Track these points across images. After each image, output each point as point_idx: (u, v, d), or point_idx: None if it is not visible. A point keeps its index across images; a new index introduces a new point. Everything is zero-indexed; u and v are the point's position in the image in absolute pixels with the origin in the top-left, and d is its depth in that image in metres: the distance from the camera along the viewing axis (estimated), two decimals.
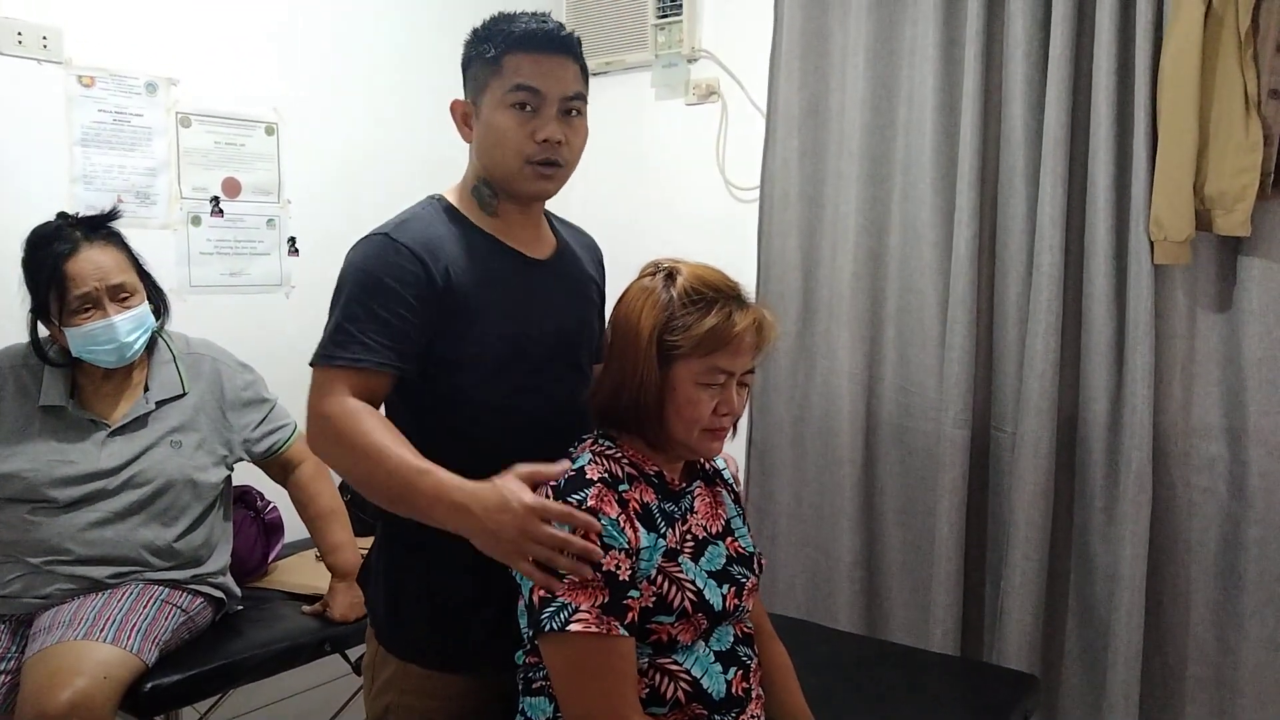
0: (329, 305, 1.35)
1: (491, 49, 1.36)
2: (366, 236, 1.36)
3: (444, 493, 1.21)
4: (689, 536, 1.32)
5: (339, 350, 1.30)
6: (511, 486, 1.19)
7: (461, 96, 1.44)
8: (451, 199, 1.44)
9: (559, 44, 1.36)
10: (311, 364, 1.33)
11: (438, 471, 1.22)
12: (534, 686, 1.30)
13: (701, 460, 1.42)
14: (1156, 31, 2.08)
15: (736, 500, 1.46)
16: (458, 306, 1.34)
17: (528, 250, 1.45)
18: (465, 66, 1.42)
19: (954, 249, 2.38)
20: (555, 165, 1.37)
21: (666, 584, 1.25)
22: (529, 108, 1.34)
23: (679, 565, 1.28)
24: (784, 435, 2.74)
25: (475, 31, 1.41)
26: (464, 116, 1.42)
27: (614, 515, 1.21)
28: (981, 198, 2.37)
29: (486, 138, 1.38)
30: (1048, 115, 2.23)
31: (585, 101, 1.41)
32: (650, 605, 1.24)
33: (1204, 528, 2.15)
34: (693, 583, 1.27)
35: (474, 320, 1.35)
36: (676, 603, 1.25)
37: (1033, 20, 2.26)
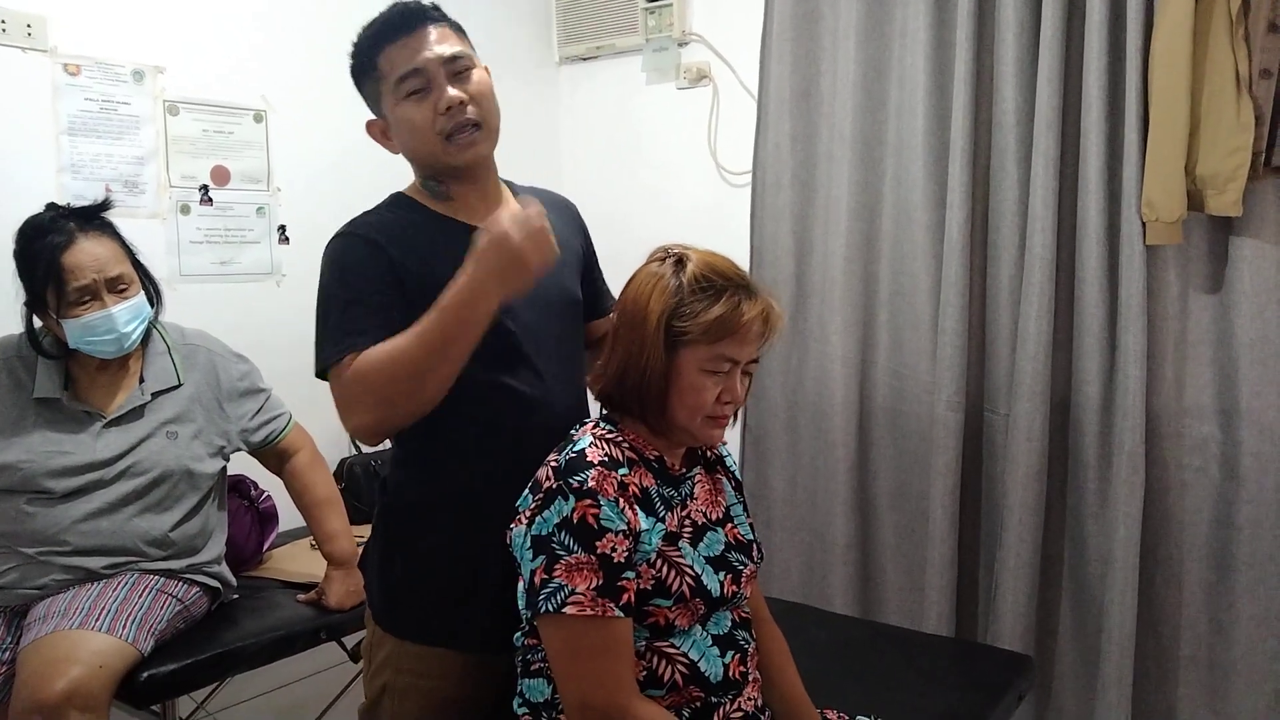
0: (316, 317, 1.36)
1: (366, 59, 1.38)
2: (328, 242, 1.38)
3: (458, 300, 1.22)
4: (688, 522, 1.33)
5: (334, 346, 1.30)
6: (488, 225, 1.23)
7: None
8: (412, 194, 1.46)
9: (413, 18, 1.37)
10: (318, 375, 1.33)
11: (440, 302, 1.23)
12: (532, 668, 1.31)
13: (703, 447, 1.43)
14: (1148, 12, 2.08)
15: (738, 488, 1.47)
16: (422, 291, 1.31)
17: None
18: (359, 87, 1.44)
19: (946, 232, 2.38)
20: (473, 127, 1.37)
21: (665, 568, 1.26)
22: (420, 90, 1.35)
23: (678, 550, 1.29)
24: (778, 420, 2.74)
25: (351, 52, 1.42)
26: (382, 132, 1.43)
27: (612, 497, 1.22)
28: (973, 180, 2.36)
29: (401, 136, 1.39)
30: (1039, 97, 2.22)
31: (470, 57, 1.40)
32: (649, 588, 1.25)
33: (1196, 508, 2.16)
34: (691, 567, 1.28)
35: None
36: (675, 587, 1.26)
37: (1023, 1, 2.25)
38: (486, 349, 1.36)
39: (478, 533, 1.35)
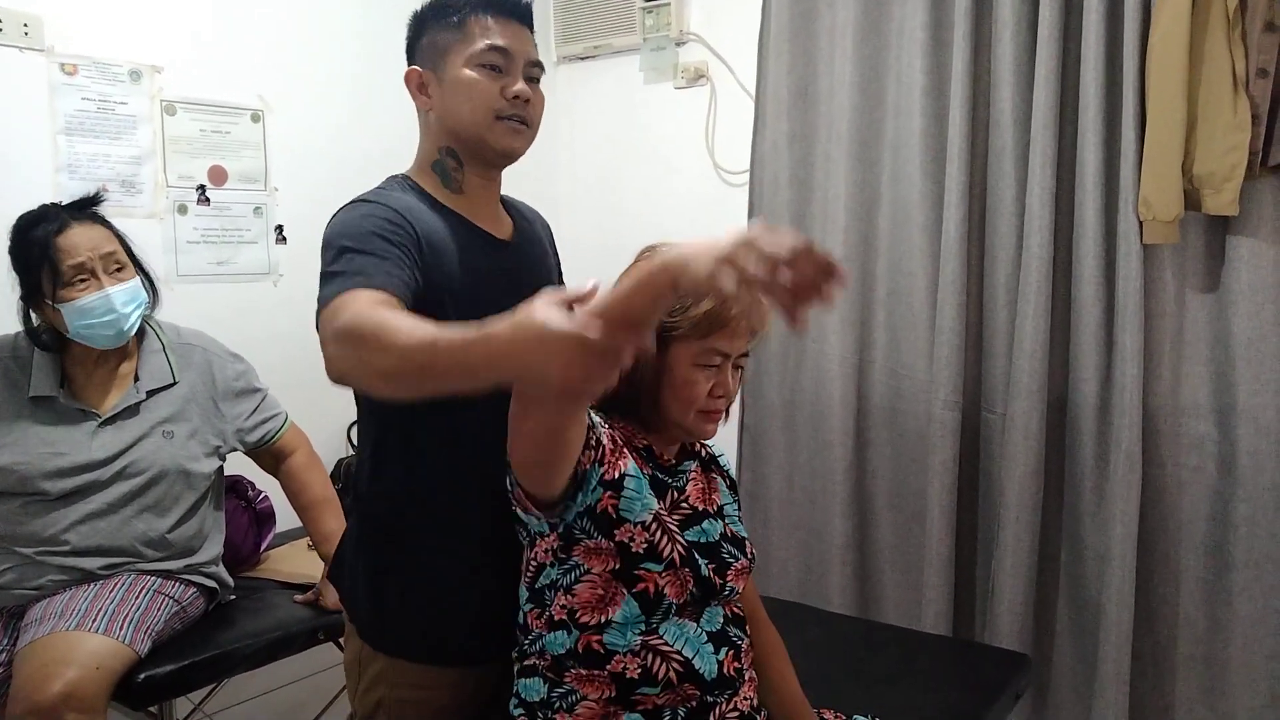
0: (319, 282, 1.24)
1: (455, 14, 1.38)
2: (342, 207, 1.34)
3: (476, 356, 0.97)
4: (681, 507, 1.34)
5: (336, 288, 1.17)
6: (552, 318, 0.94)
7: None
8: (416, 178, 1.43)
9: (523, 12, 1.41)
10: (318, 314, 1.18)
11: (454, 340, 0.99)
12: (527, 665, 1.32)
13: (697, 445, 1.44)
14: (1145, 11, 2.08)
15: (732, 488, 1.47)
16: (435, 282, 1.29)
17: (493, 230, 1.44)
18: (417, 35, 1.44)
19: (943, 231, 2.38)
20: (524, 123, 1.40)
21: (660, 533, 1.27)
22: (497, 67, 1.36)
23: (673, 520, 1.31)
24: (775, 419, 2.74)
25: (430, 2, 1.42)
26: (420, 85, 1.42)
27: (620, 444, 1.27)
28: (970, 180, 2.36)
29: (454, 96, 1.37)
30: (1036, 96, 2.22)
31: (543, 71, 1.44)
32: (641, 551, 1.26)
33: (1193, 506, 2.16)
34: (681, 538, 1.30)
35: (449, 301, 1.30)
36: (666, 553, 1.27)
37: (1021, 0, 2.25)
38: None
39: (467, 551, 1.37)
